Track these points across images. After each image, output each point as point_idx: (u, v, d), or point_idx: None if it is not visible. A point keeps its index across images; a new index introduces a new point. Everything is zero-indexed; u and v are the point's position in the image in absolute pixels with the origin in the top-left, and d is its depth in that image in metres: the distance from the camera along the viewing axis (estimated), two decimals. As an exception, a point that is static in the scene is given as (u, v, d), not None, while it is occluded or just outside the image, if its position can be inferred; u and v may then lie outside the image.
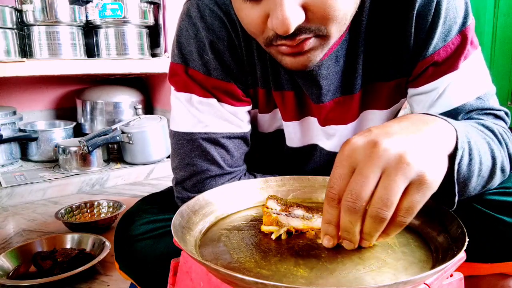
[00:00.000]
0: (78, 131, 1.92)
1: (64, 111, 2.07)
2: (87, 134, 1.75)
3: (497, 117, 0.62)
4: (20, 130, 1.75)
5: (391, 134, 0.41)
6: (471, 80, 0.61)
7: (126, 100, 1.93)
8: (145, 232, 0.68)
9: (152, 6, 1.81)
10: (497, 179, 0.56)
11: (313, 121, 0.71)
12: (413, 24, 0.60)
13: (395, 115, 0.74)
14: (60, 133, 1.79)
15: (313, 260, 0.43)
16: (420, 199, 0.40)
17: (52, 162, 1.74)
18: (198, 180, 0.67)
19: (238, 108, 0.68)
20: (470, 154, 0.48)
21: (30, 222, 1.31)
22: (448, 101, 0.61)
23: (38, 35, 1.61)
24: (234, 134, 0.68)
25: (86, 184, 1.60)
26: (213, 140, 0.66)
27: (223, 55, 0.65)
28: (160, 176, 1.77)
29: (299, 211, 0.52)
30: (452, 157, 0.46)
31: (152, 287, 0.65)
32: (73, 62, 1.61)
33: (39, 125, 1.90)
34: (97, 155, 1.67)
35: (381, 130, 0.42)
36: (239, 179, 0.69)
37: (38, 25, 1.60)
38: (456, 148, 0.46)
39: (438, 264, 0.42)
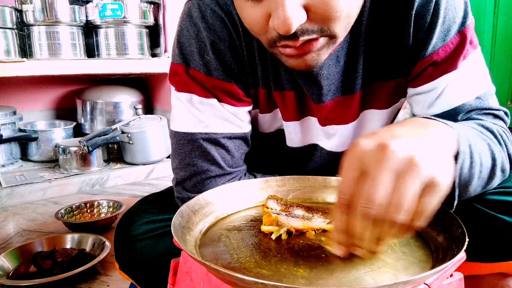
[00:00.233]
0: (78, 131, 1.92)
1: (64, 111, 2.07)
2: (87, 134, 1.75)
3: (497, 117, 0.62)
4: (20, 130, 1.75)
5: (398, 136, 0.41)
6: (470, 79, 0.61)
7: (126, 100, 1.93)
8: (145, 232, 0.68)
9: (152, 6, 1.81)
10: (497, 179, 0.56)
11: (313, 121, 0.71)
12: (412, 24, 0.60)
13: (395, 115, 0.74)
14: (60, 133, 1.79)
15: (313, 260, 0.43)
16: (434, 202, 0.40)
17: (52, 162, 1.74)
18: (199, 180, 0.67)
19: (239, 108, 0.68)
20: (471, 158, 0.48)
21: (30, 222, 1.31)
22: (448, 101, 0.61)
23: (38, 35, 1.61)
24: (235, 135, 0.68)
25: (86, 184, 1.60)
26: (214, 140, 0.66)
27: (224, 55, 0.65)
28: (160, 176, 1.77)
29: (299, 211, 0.52)
30: (454, 161, 0.46)
31: (152, 287, 0.65)
32: (73, 62, 1.61)
33: (39, 125, 1.90)
34: (97, 155, 1.67)
35: (387, 133, 0.41)
36: (239, 179, 0.69)
37: (38, 25, 1.60)
38: (457, 153, 0.46)
39: (438, 264, 0.42)
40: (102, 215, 1.31)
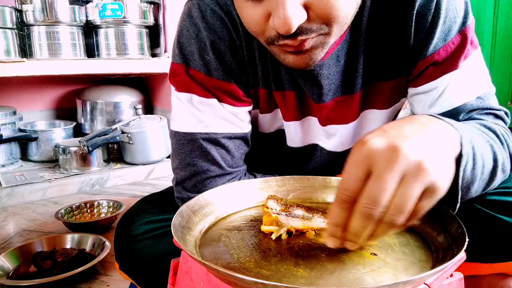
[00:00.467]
0: (78, 131, 1.92)
1: (64, 111, 2.07)
2: (87, 134, 1.75)
3: (497, 116, 0.62)
4: (20, 130, 1.75)
5: (408, 137, 0.40)
6: (471, 79, 0.61)
7: (126, 100, 1.93)
8: (145, 232, 0.68)
9: (152, 6, 1.81)
10: (498, 180, 0.56)
11: (313, 121, 0.71)
12: (413, 23, 0.60)
13: (395, 115, 0.74)
14: (60, 133, 1.79)
15: (313, 260, 0.43)
16: (429, 205, 0.40)
17: (52, 162, 1.74)
18: (199, 180, 0.67)
19: (239, 108, 0.68)
20: (474, 159, 0.48)
21: (30, 222, 1.31)
22: (449, 100, 0.61)
23: (38, 35, 1.61)
24: (235, 135, 0.68)
25: (86, 184, 1.60)
26: (214, 140, 0.66)
27: (224, 55, 0.65)
28: (160, 176, 1.77)
29: (299, 211, 0.52)
30: (456, 163, 0.46)
31: (152, 287, 0.65)
32: (73, 62, 1.61)
33: (39, 125, 1.90)
34: (97, 155, 1.67)
35: (397, 132, 0.41)
36: (239, 179, 0.69)
37: (38, 25, 1.60)
38: (460, 155, 0.45)
39: (438, 264, 0.42)
40: (102, 215, 1.31)
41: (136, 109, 1.94)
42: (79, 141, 1.60)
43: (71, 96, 2.06)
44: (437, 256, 0.44)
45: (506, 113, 0.64)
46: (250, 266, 0.43)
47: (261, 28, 0.52)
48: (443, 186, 0.40)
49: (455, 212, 0.48)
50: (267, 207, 0.51)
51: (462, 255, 0.42)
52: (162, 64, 1.79)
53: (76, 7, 1.64)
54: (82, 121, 1.94)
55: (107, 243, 1.02)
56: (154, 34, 1.88)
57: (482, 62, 0.63)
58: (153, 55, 1.89)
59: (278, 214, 0.50)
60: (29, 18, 1.58)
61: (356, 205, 0.39)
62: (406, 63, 0.63)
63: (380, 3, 0.61)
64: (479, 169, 0.49)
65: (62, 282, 0.90)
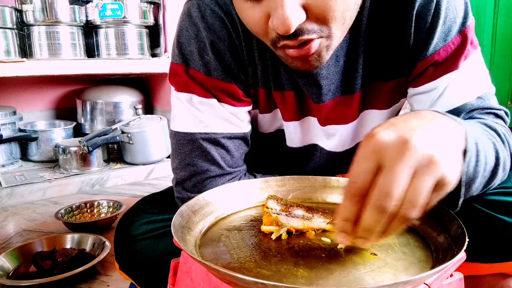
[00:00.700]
0: (78, 131, 1.92)
1: (64, 111, 2.07)
2: (87, 134, 1.75)
3: (498, 116, 0.62)
4: (20, 130, 1.75)
5: (417, 130, 0.40)
6: (471, 79, 0.61)
7: (126, 100, 1.93)
8: (145, 232, 0.68)
9: (152, 6, 1.81)
10: (499, 178, 0.56)
11: (313, 121, 0.71)
12: (413, 24, 0.60)
13: (395, 115, 0.74)
14: (60, 133, 1.79)
15: (313, 260, 0.43)
16: (438, 198, 0.40)
17: (52, 162, 1.74)
18: (198, 180, 0.67)
19: (239, 108, 0.68)
20: (477, 156, 0.48)
21: (30, 222, 1.31)
22: (449, 100, 0.61)
23: (38, 35, 1.61)
24: (234, 135, 0.68)
25: (86, 184, 1.60)
26: (214, 140, 0.66)
27: (223, 55, 0.65)
28: (160, 176, 1.77)
29: (299, 211, 0.52)
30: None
31: (152, 287, 0.65)
32: (73, 62, 1.61)
33: (39, 125, 1.90)
34: (97, 155, 1.67)
35: (406, 125, 0.40)
36: (239, 179, 0.69)
37: (38, 25, 1.60)
38: (465, 150, 0.45)
39: (438, 264, 0.42)
40: (102, 215, 1.31)
41: (136, 109, 1.94)
42: (79, 141, 1.60)
43: (71, 96, 2.06)
44: (437, 256, 0.44)
45: (506, 113, 0.64)
46: (250, 266, 0.43)
47: (263, 30, 0.52)
48: (453, 179, 0.40)
49: (457, 209, 0.48)
50: (267, 207, 0.51)
51: (462, 255, 0.42)
52: (162, 64, 1.79)
53: (76, 7, 1.64)
54: (82, 121, 1.94)
55: (107, 243, 1.02)
56: (154, 34, 1.88)
57: (482, 62, 0.63)
58: (153, 55, 1.89)
59: (278, 214, 0.50)
60: (29, 18, 1.58)
61: (368, 199, 0.39)
62: (406, 64, 0.63)
63: (380, 3, 0.61)
64: (482, 166, 0.49)
65: (62, 282, 0.90)
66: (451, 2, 0.59)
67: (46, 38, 1.61)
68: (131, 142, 1.67)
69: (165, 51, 1.88)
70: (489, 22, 1.83)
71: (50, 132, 1.76)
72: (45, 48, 1.62)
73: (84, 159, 1.64)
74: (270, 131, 0.75)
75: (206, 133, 0.66)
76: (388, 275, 0.41)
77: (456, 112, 0.60)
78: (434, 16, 0.59)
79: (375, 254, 0.45)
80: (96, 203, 1.33)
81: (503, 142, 0.55)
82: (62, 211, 1.25)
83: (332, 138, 0.72)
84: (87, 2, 1.66)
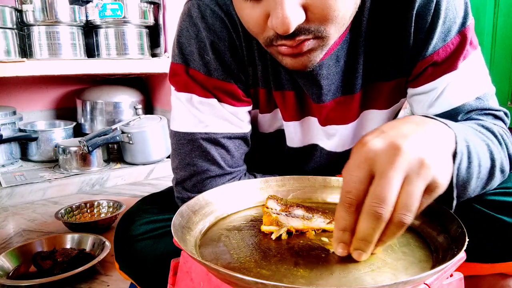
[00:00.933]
0: (78, 131, 1.92)
1: (64, 111, 2.07)
2: (87, 134, 1.75)
3: (497, 117, 0.62)
4: (20, 130, 1.75)
5: (407, 136, 0.40)
6: (470, 80, 0.61)
7: (126, 100, 1.93)
8: (145, 232, 0.68)
9: (152, 6, 1.81)
10: (497, 180, 0.56)
11: (313, 121, 0.71)
12: (413, 24, 0.60)
13: (395, 115, 0.74)
14: (60, 133, 1.79)
15: (313, 260, 0.43)
16: (429, 201, 0.41)
17: (52, 162, 1.74)
18: (198, 180, 0.67)
19: (239, 108, 0.68)
20: (469, 158, 0.48)
21: (30, 222, 1.31)
22: (448, 101, 0.61)
23: (38, 35, 1.61)
24: (235, 134, 0.68)
25: (86, 184, 1.60)
26: (214, 140, 0.66)
27: (223, 55, 0.65)
28: (160, 176, 1.77)
29: (299, 211, 0.52)
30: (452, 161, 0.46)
31: (152, 287, 0.65)
32: (73, 62, 1.61)
33: (39, 125, 1.90)
34: (97, 155, 1.67)
35: (396, 132, 0.41)
36: (239, 179, 0.69)
37: (38, 25, 1.60)
38: (455, 153, 0.46)
39: (438, 264, 0.42)
40: (102, 215, 1.31)
41: (136, 109, 1.94)
42: (79, 141, 1.60)
43: (71, 96, 2.06)
44: (437, 256, 0.44)
45: (505, 114, 0.64)
46: (250, 266, 0.43)
47: (261, 29, 0.52)
48: (444, 182, 0.41)
49: (452, 211, 0.48)
50: (267, 207, 0.51)
51: (462, 255, 0.42)
52: (162, 64, 1.79)
53: (76, 7, 1.64)
54: (82, 121, 1.94)
55: (107, 243, 1.02)
56: (154, 34, 1.88)
57: (482, 63, 0.63)
58: (153, 55, 1.89)
59: (278, 214, 0.50)
60: (29, 18, 1.58)
61: (363, 207, 0.39)
62: (406, 64, 0.63)
63: (380, 3, 0.61)
64: (475, 167, 0.50)
65: (62, 282, 0.90)
66: (451, 2, 0.59)
67: (46, 38, 1.61)
68: (131, 142, 1.67)
69: (165, 51, 1.88)
70: (489, 22, 1.83)
71: (50, 132, 1.76)
72: (45, 48, 1.62)
73: (84, 159, 1.64)
74: (270, 131, 0.75)
75: (206, 133, 0.66)
76: (388, 275, 0.41)
77: (454, 112, 0.60)
78: (434, 16, 0.59)
79: (374, 253, 0.45)
80: (96, 203, 1.33)
81: (500, 143, 0.55)
82: (62, 211, 1.25)
83: (332, 138, 0.72)
84: (87, 2, 1.66)
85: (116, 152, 1.87)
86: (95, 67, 1.65)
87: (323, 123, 0.70)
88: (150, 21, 1.80)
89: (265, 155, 0.79)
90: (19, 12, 1.59)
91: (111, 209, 1.32)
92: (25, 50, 1.64)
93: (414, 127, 0.43)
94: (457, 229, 0.44)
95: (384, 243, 0.41)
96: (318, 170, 0.77)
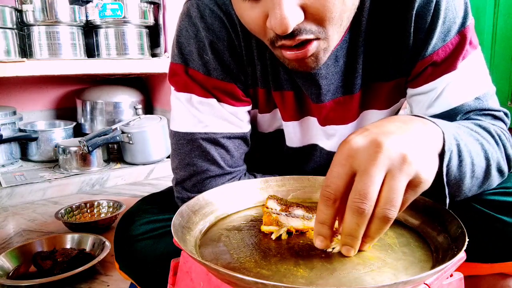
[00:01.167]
0: (78, 131, 1.92)
1: (64, 111, 2.07)
2: (87, 134, 1.75)
3: (496, 118, 0.62)
4: (20, 130, 1.75)
5: (390, 133, 0.41)
6: (469, 80, 0.61)
7: (126, 100, 1.93)
8: (145, 232, 0.68)
9: (152, 6, 1.81)
10: (494, 179, 0.56)
11: (313, 121, 0.71)
12: (412, 24, 0.60)
13: (395, 115, 0.74)
14: (60, 133, 1.79)
15: (313, 260, 0.43)
16: (413, 197, 0.41)
17: (52, 162, 1.74)
18: (198, 180, 0.67)
19: (238, 108, 0.68)
20: (459, 156, 0.49)
21: (30, 222, 1.31)
22: (446, 101, 0.61)
23: (38, 35, 1.61)
24: (234, 134, 0.68)
25: (86, 184, 1.60)
26: (213, 140, 0.66)
27: (223, 55, 0.65)
28: (160, 176, 1.77)
29: (299, 211, 0.52)
30: (441, 159, 0.46)
31: (152, 287, 0.65)
32: (73, 62, 1.61)
33: (39, 125, 1.90)
34: (97, 155, 1.67)
35: (378, 130, 0.42)
36: (239, 179, 0.69)
37: (38, 25, 1.60)
38: (444, 151, 0.46)
39: (438, 264, 0.42)
40: (102, 215, 1.31)
41: (136, 109, 1.94)
42: (79, 141, 1.60)
43: (71, 96, 2.06)
44: (437, 256, 0.44)
45: (506, 114, 0.64)
46: (250, 266, 0.43)
47: (261, 29, 0.52)
48: (427, 177, 0.41)
49: (446, 207, 0.49)
50: (267, 207, 0.51)
51: (462, 255, 0.42)
52: (162, 64, 1.79)
53: (76, 7, 1.64)
54: (82, 121, 1.94)
55: (107, 243, 1.02)
56: (154, 34, 1.88)
57: (482, 62, 0.63)
58: (153, 55, 1.89)
59: (278, 214, 0.50)
60: (29, 18, 1.58)
61: (347, 203, 0.40)
62: (406, 64, 0.63)
63: (380, 3, 0.61)
64: (467, 166, 0.50)
65: (62, 282, 0.90)
66: (450, 2, 0.59)
67: (46, 38, 1.61)
68: (131, 142, 1.67)
69: (165, 51, 1.88)
70: (489, 22, 1.83)
71: (50, 132, 1.76)
72: (45, 48, 1.62)
73: (84, 159, 1.64)
74: (269, 131, 0.75)
75: (205, 133, 0.66)
76: (388, 275, 0.41)
77: (453, 113, 0.60)
78: (433, 16, 0.59)
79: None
80: (96, 203, 1.33)
81: (496, 143, 0.55)
82: (62, 211, 1.25)
83: (332, 138, 0.72)
84: (87, 2, 1.66)
85: (116, 152, 1.87)
86: (95, 67, 1.65)
87: (323, 123, 0.70)
88: (150, 21, 1.80)
89: (265, 155, 0.79)
90: (19, 12, 1.59)
91: (111, 209, 1.32)
92: (25, 50, 1.64)
93: (399, 124, 0.44)
94: (457, 229, 0.44)
95: (373, 239, 0.42)
96: (318, 170, 0.77)
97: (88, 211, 1.31)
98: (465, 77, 0.61)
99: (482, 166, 0.53)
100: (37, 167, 1.72)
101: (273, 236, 0.49)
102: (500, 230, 0.56)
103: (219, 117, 0.67)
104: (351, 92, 0.66)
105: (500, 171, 0.56)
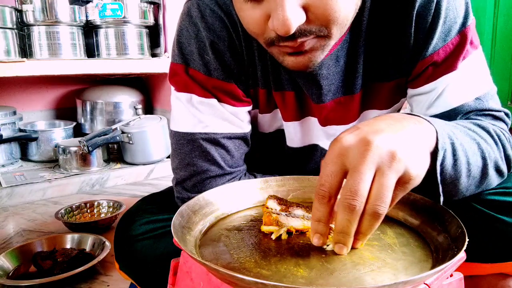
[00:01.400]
0: (78, 131, 1.92)
1: (64, 111, 2.07)
2: (87, 134, 1.75)
3: (496, 118, 0.62)
4: (20, 130, 1.75)
5: (380, 131, 0.42)
6: (470, 80, 0.61)
7: (126, 100, 1.93)
8: (145, 232, 0.68)
9: (152, 6, 1.81)
10: (493, 179, 0.56)
11: (313, 121, 0.71)
12: (413, 24, 0.60)
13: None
14: (60, 133, 1.79)
15: (313, 260, 0.43)
16: (403, 193, 0.42)
17: (52, 162, 1.74)
18: (198, 180, 0.67)
19: (239, 108, 0.68)
20: (454, 155, 0.49)
21: (30, 222, 1.31)
22: (447, 101, 0.61)
23: (38, 35, 1.61)
24: (235, 135, 0.68)
25: (86, 184, 1.60)
26: (214, 140, 0.66)
27: (223, 55, 0.65)
28: (160, 176, 1.77)
29: (299, 211, 0.52)
30: (434, 158, 0.46)
31: (152, 287, 0.65)
32: (73, 62, 1.61)
33: (39, 125, 1.90)
34: (97, 155, 1.67)
35: (369, 128, 0.42)
36: (239, 179, 0.69)
37: (38, 25, 1.60)
38: (437, 149, 0.46)
39: (438, 264, 0.42)
40: (102, 215, 1.31)
41: (136, 109, 1.94)
42: (79, 141, 1.60)
43: (71, 96, 2.06)
44: (437, 256, 0.44)
45: (506, 114, 0.64)
46: (250, 266, 0.43)
47: (261, 30, 0.52)
48: (416, 174, 0.42)
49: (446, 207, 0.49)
50: (267, 207, 0.51)
51: (462, 255, 0.42)
52: (162, 64, 1.79)
53: (76, 7, 1.64)
54: (82, 121, 1.94)
55: (107, 243, 1.02)
56: (154, 34, 1.88)
57: (483, 63, 0.63)
58: (153, 55, 1.89)
59: (278, 214, 0.50)
60: (29, 18, 1.58)
61: (339, 200, 0.41)
62: (406, 64, 0.63)
63: (380, 3, 0.61)
64: (463, 165, 0.50)
65: (62, 282, 0.89)
66: (451, 2, 0.59)
67: (46, 38, 1.61)
68: (131, 142, 1.67)
69: (165, 51, 1.88)
70: (489, 22, 1.83)
71: (50, 132, 1.76)
72: (45, 48, 1.62)
73: (84, 159, 1.64)
74: (270, 131, 0.75)
75: (206, 133, 0.66)
76: (388, 275, 0.41)
77: (453, 113, 0.60)
78: (434, 16, 0.59)
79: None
80: (96, 203, 1.33)
81: (495, 143, 0.55)
82: (62, 211, 1.25)
83: (332, 138, 0.72)
84: (87, 2, 1.66)
85: (116, 152, 1.87)
86: (95, 67, 1.65)
87: (323, 123, 0.70)
88: (150, 21, 1.80)
89: (265, 155, 0.79)
90: (19, 12, 1.59)
91: (111, 209, 1.32)
92: (25, 50, 1.63)
93: (390, 122, 0.44)
94: (457, 229, 0.44)
95: (365, 236, 0.42)
96: (318, 170, 0.76)
97: (88, 211, 1.31)
98: (465, 77, 0.61)
99: (479, 165, 0.53)
100: (37, 167, 1.72)
101: (273, 236, 0.49)
102: (500, 230, 0.56)
103: (220, 117, 0.67)
104: (351, 92, 0.66)
105: (498, 171, 0.56)
